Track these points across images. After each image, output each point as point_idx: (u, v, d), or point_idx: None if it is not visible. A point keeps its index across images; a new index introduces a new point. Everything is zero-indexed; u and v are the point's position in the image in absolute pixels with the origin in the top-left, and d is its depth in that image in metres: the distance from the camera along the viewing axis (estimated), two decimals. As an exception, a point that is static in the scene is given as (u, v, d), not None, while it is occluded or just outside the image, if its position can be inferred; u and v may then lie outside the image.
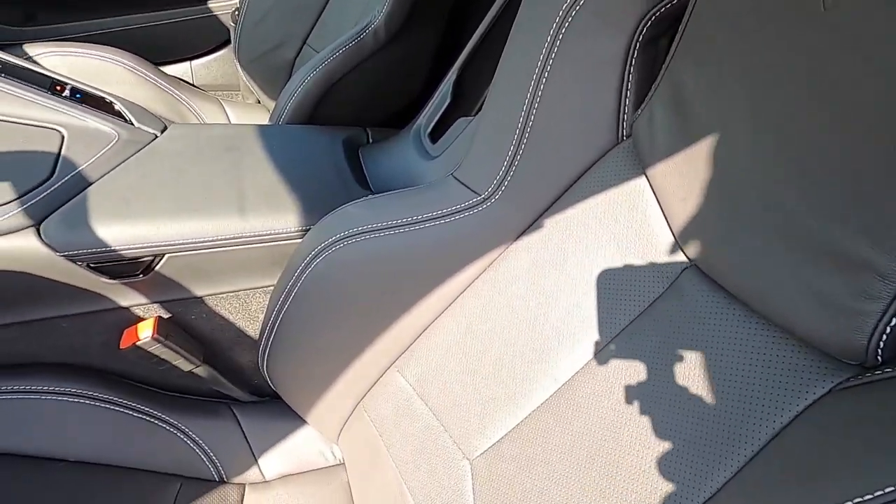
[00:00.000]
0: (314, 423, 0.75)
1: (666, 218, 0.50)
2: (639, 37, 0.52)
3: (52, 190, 0.68)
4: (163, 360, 0.73)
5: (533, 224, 0.60)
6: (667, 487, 0.42)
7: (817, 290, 0.37)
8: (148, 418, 0.74)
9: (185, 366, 0.75)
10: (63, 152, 0.72)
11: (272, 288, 0.75)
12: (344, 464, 0.77)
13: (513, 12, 0.62)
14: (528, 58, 0.57)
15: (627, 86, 0.53)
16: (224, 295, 0.77)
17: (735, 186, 0.43)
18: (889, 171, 0.33)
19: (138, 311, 0.75)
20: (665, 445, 0.43)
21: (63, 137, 0.74)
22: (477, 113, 0.83)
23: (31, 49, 1.16)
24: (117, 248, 0.67)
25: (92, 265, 0.68)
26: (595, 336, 0.52)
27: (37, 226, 0.66)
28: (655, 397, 0.45)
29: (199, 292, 0.76)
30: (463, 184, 0.65)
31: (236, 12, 1.31)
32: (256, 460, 0.75)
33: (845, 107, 0.35)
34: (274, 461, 0.76)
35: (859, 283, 0.35)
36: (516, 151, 0.59)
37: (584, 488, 0.47)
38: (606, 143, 0.56)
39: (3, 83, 0.73)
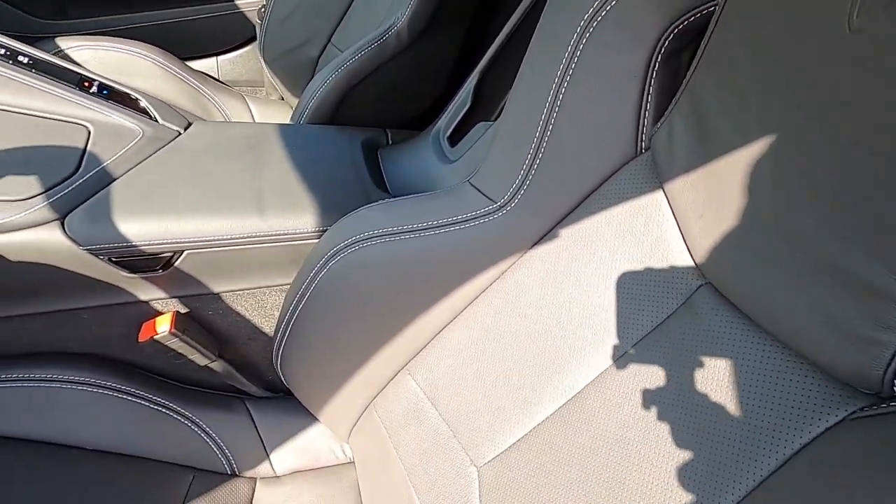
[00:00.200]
0: (326, 420, 0.76)
1: (682, 233, 0.49)
2: (661, 49, 0.51)
3: (78, 185, 0.69)
4: (179, 353, 0.74)
5: (548, 234, 0.60)
6: (673, 507, 0.42)
7: (834, 317, 0.36)
8: (164, 410, 0.75)
9: (200, 360, 0.77)
10: (89, 148, 0.73)
11: (288, 286, 0.75)
12: (354, 462, 0.78)
13: (536, 17, 0.61)
14: (549, 66, 0.57)
15: (648, 98, 0.53)
16: (241, 292, 0.78)
17: (752, 206, 0.42)
18: (912, 200, 0.32)
19: (157, 306, 0.76)
20: (672, 464, 0.43)
21: (89, 133, 0.75)
22: (497, 117, 0.82)
23: (63, 42, 1.18)
24: (138, 243, 0.68)
25: (113, 259, 0.69)
26: (607, 349, 0.51)
27: (61, 220, 0.67)
28: (664, 414, 0.45)
29: (216, 289, 0.77)
30: (479, 191, 0.64)
31: (262, 9, 1.32)
32: (268, 455, 0.76)
33: (867, 132, 0.34)
34: (285, 457, 0.77)
35: (877, 313, 0.34)
36: (533, 160, 0.59)
37: (589, 502, 0.47)
38: (625, 155, 0.55)
39: (33, 79, 0.75)
